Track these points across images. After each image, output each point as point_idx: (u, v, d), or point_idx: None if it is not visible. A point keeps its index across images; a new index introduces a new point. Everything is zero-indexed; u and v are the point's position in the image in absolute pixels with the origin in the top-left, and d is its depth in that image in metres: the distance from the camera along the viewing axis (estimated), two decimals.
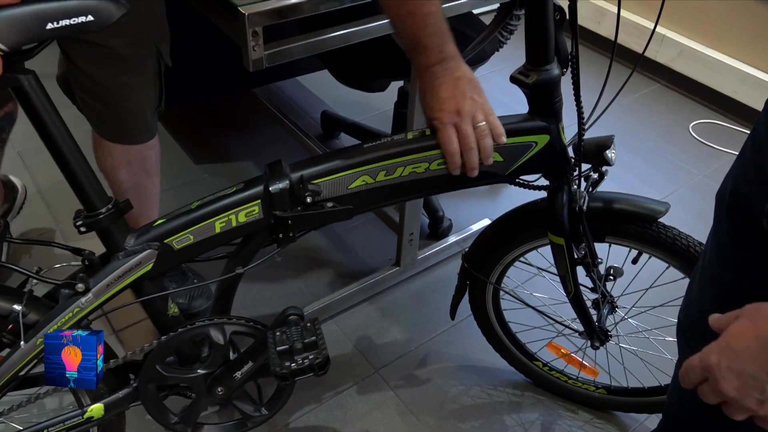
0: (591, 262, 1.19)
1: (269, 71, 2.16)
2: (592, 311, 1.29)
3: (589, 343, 1.33)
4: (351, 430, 1.44)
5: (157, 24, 1.24)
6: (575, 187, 1.12)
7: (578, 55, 1.01)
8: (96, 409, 1.07)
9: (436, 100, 0.94)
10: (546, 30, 0.95)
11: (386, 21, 1.20)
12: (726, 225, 0.77)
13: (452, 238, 1.89)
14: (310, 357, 1.00)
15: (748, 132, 2.38)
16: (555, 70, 0.99)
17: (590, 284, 1.26)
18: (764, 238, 0.71)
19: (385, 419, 1.47)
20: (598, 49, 2.91)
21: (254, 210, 0.97)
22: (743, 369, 0.61)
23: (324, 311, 1.68)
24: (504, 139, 0.97)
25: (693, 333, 0.87)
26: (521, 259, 1.31)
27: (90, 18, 0.80)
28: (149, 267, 0.97)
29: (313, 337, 1.01)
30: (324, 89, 2.51)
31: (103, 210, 0.94)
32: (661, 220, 1.14)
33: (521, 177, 1.09)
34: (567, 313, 1.33)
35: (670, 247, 1.14)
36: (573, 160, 1.08)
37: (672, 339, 1.47)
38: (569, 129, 1.03)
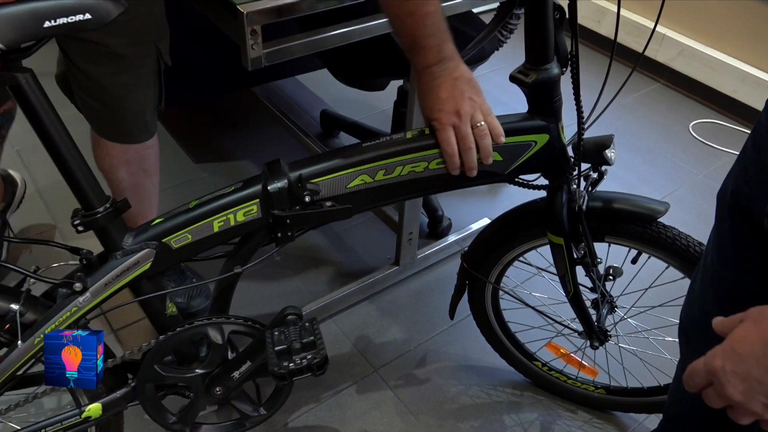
0: (590, 261, 1.19)
1: (269, 70, 2.15)
2: (592, 311, 1.29)
3: (588, 343, 1.33)
4: (350, 429, 1.44)
5: (157, 23, 1.24)
6: (575, 186, 1.12)
7: (578, 54, 1.01)
8: (94, 408, 1.06)
9: (435, 101, 0.94)
10: (546, 29, 0.95)
11: (386, 19, 1.19)
12: (727, 225, 0.77)
13: (452, 238, 1.89)
14: (309, 357, 1.00)
15: (748, 131, 2.38)
16: (554, 69, 0.99)
17: (589, 284, 1.25)
18: (765, 238, 0.71)
19: (384, 419, 1.47)
20: (598, 48, 2.90)
21: (253, 209, 0.97)
22: (748, 372, 0.60)
23: (323, 310, 1.67)
24: (502, 139, 0.97)
25: (694, 333, 0.86)
26: (520, 258, 1.31)
27: (87, 16, 0.79)
28: (147, 266, 0.97)
29: (312, 337, 1.01)
30: (323, 88, 2.50)
31: (101, 209, 0.94)
32: (660, 219, 1.14)
33: (520, 176, 1.08)
34: (566, 312, 1.32)
35: (669, 247, 1.14)
36: (572, 160, 1.08)
37: (671, 339, 1.47)
38: (569, 128, 1.02)
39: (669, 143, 2.39)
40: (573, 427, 1.46)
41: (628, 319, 1.45)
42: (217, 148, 2.24)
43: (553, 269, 1.23)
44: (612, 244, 1.20)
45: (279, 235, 1.00)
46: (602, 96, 1.09)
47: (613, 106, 1.14)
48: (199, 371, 1.11)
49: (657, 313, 1.43)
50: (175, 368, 1.11)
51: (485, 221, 1.95)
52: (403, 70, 1.59)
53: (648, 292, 1.34)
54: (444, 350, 1.62)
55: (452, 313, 1.41)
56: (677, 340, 1.45)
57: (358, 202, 0.99)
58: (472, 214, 1.99)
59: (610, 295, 1.29)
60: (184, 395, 1.16)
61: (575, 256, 1.19)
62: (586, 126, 1.09)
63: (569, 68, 1.02)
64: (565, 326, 1.35)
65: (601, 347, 1.33)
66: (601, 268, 1.24)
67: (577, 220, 1.13)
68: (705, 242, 1.16)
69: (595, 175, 1.15)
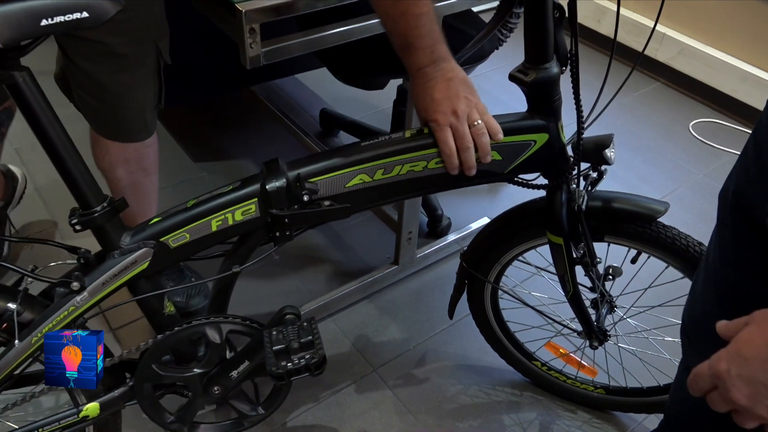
0: (590, 261, 1.18)
1: (268, 69, 2.15)
2: (591, 311, 1.29)
3: (587, 342, 1.32)
4: (349, 429, 1.44)
5: (156, 22, 1.23)
6: (574, 186, 1.12)
7: (578, 53, 1.01)
8: (91, 408, 1.06)
9: (430, 102, 0.94)
10: (545, 28, 0.95)
11: None
12: (729, 225, 0.77)
13: (451, 237, 1.89)
14: (307, 357, 0.99)
15: (749, 131, 2.37)
16: (554, 68, 0.98)
17: (589, 284, 1.25)
18: (767, 238, 0.70)
19: (383, 418, 1.46)
20: (598, 47, 2.90)
21: (251, 208, 0.96)
22: (754, 376, 0.60)
23: (322, 310, 1.67)
24: (501, 136, 0.96)
25: (696, 334, 0.86)
26: (520, 258, 1.31)
27: (85, 15, 0.79)
28: (145, 265, 0.97)
29: (310, 337, 1.00)
30: (323, 87, 2.50)
31: (98, 208, 0.93)
32: (660, 219, 1.14)
33: (520, 176, 1.08)
34: (566, 312, 1.32)
35: (669, 246, 1.14)
36: (572, 159, 1.08)
37: (671, 339, 1.47)
38: (568, 128, 1.02)
39: (669, 142, 2.38)
40: (572, 427, 1.46)
41: (628, 319, 1.45)
42: (216, 147, 2.24)
43: (552, 269, 1.23)
44: (611, 244, 1.20)
45: (277, 234, 0.99)
46: (602, 95, 1.08)
47: (612, 106, 1.14)
48: (197, 371, 1.11)
49: (656, 313, 1.43)
50: (173, 368, 1.11)
51: (485, 220, 1.94)
52: (402, 68, 1.58)
53: (647, 292, 1.34)
54: (443, 350, 1.62)
55: (451, 313, 1.40)
56: (677, 340, 1.45)
57: (357, 202, 0.99)
58: (472, 214, 1.99)
59: (610, 295, 1.29)
60: (182, 395, 1.16)
61: (575, 255, 1.19)
62: (585, 125, 1.08)
63: (569, 67, 1.02)
64: (565, 326, 1.35)
65: (600, 347, 1.32)
66: (601, 268, 1.23)
67: (577, 219, 1.13)
68: (705, 242, 1.16)
69: (594, 175, 1.14)
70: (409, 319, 1.69)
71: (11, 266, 0.95)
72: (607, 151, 1.09)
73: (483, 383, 1.55)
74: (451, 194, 2.01)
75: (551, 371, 1.48)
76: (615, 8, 1.00)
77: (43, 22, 0.77)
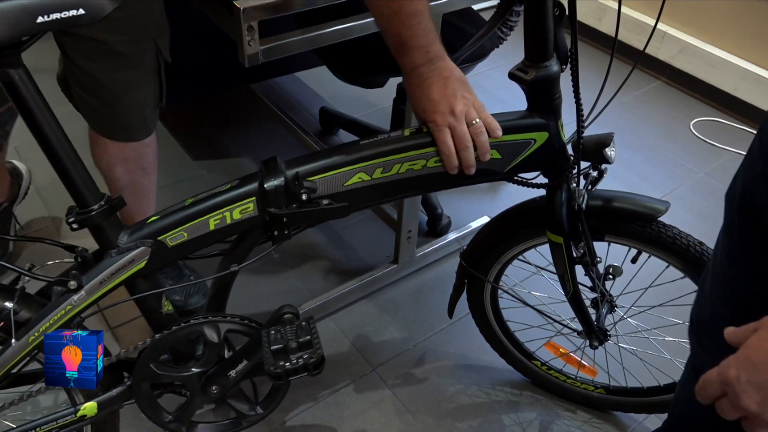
0: (590, 261, 1.18)
1: (267, 67, 2.14)
2: (591, 310, 1.28)
3: (587, 342, 1.32)
4: (348, 428, 1.44)
5: (156, 20, 1.23)
6: (574, 185, 1.11)
7: (577, 51, 1.00)
8: (89, 407, 1.06)
9: (427, 102, 0.93)
10: (545, 26, 0.94)
11: None
12: (737, 226, 0.76)
13: (451, 236, 1.88)
14: (305, 356, 0.99)
15: (750, 129, 2.36)
16: (554, 66, 0.98)
17: (589, 283, 1.25)
18: None
19: (382, 418, 1.46)
20: (599, 45, 2.89)
21: (249, 207, 0.96)
22: (764, 382, 0.59)
23: (321, 309, 1.67)
24: (499, 132, 0.96)
25: (705, 334, 0.85)
26: (520, 257, 1.30)
27: (81, 12, 0.78)
28: (142, 264, 0.96)
29: (308, 336, 1.00)
30: (323, 85, 2.49)
31: (96, 207, 0.93)
32: (661, 218, 1.13)
33: (520, 175, 1.08)
34: (566, 312, 1.32)
35: (669, 246, 1.13)
36: (572, 158, 1.07)
37: (671, 339, 1.46)
38: (568, 126, 1.02)
39: (670, 141, 2.38)
40: (572, 427, 1.46)
41: (628, 319, 1.45)
42: (215, 145, 2.23)
43: (552, 268, 1.22)
44: (612, 243, 1.19)
45: (276, 233, 0.99)
46: (602, 94, 1.08)
47: (613, 104, 1.13)
48: (195, 370, 1.10)
49: (657, 313, 1.42)
50: (171, 367, 1.10)
51: (485, 219, 1.94)
52: None
53: (648, 292, 1.33)
54: (443, 349, 1.62)
55: (451, 312, 1.40)
56: (677, 339, 1.45)
57: (356, 200, 0.99)
58: (472, 212, 1.98)
59: (610, 295, 1.28)
60: (181, 394, 1.15)
61: (575, 255, 1.18)
62: (586, 124, 1.08)
63: (569, 65, 1.01)
64: (565, 325, 1.34)
65: (600, 347, 1.32)
66: (601, 268, 1.23)
67: (577, 218, 1.12)
68: (706, 241, 1.16)
69: (594, 174, 1.14)
70: (409, 319, 1.69)
71: (8, 265, 0.95)
72: (607, 149, 1.08)
73: (482, 383, 1.54)
74: (450, 193, 2.01)
75: (551, 371, 1.48)
76: (616, 6, 0.99)
77: (39, 19, 0.76)
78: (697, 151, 2.34)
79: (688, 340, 1.44)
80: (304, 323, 1.03)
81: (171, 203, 0.99)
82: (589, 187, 1.15)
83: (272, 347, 0.99)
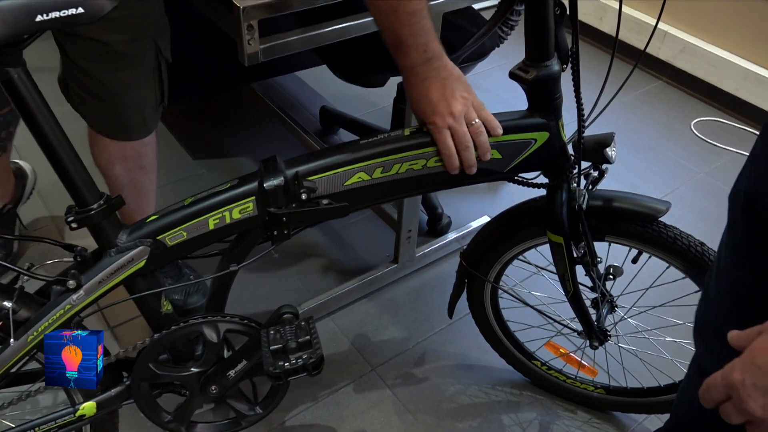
0: (590, 261, 1.17)
1: (268, 66, 2.14)
2: (592, 311, 1.28)
3: (587, 342, 1.32)
4: (347, 428, 1.43)
5: (155, 20, 1.22)
6: (575, 185, 1.11)
7: (578, 50, 1.00)
8: (88, 407, 1.06)
9: (426, 104, 0.93)
10: (546, 25, 0.94)
11: None
12: (741, 227, 0.76)
13: (451, 236, 1.88)
14: (304, 356, 0.99)
15: (751, 129, 2.34)
16: (555, 66, 0.97)
17: (589, 283, 1.24)
18: None
19: (382, 418, 1.46)
20: (600, 45, 2.89)
21: (248, 207, 0.96)
22: None
23: (321, 308, 1.66)
24: (500, 131, 0.96)
25: (710, 334, 0.85)
26: (520, 257, 1.30)
27: (80, 10, 0.78)
28: (141, 264, 0.96)
29: (308, 337, 1.00)
30: (323, 84, 2.49)
31: (95, 206, 0.92)
32: (661, 218, 1.13)
33: (520, 174, 1.07)
34: (566, 312, 1.31)
35: (670, 246, 1.13)
36: (573, 158, 1.07)
37: (672, 339, 1.46)
38: (569, 126, 1.01)
39: (670, 141, 2.37)
40: (572, 427, 1.46)
41: (628, 319, 1.44)
42: (215, 144, 2.23)
43: (552, 268, 1.22)
44: (612, 244, 1.19)
45: (275, 232, 0.99)
46: (603, 93, 1.08)
47: (614, 104, 1.13)
48: (194, 370, 1.10)
49: (657, 313, 1.42)
50: (170, 367, 1.10)
51: (485, 219, 1.94)
52: None
53: (648, 292, 1.33)
54: (442, 349, 1.61)
55: (451, 312, 1.40)
56: (678, 340, 1.45)
57: (356, 200, 0.98)
58: (472, 212, 1.98)
59: (610, 295, 1.28)
60: (180, 394, 1.15)
61: (575, 255, 1.18)
62: (586, 124, 1.08)
63: (570, 65, 1.01)
64: (565, 326, 1.34)
65: (600, 347, 1.32)
66: (601, 268, 1.23)
67: (577, 218, 1.12)
68: (707, 241, 1.15)
69: (595, 174, 1.14)
70: (409, 318, 1.69)
71: (7, 264, 0.94)
72: (608, 149, 1.08)
73: (482, 383, 1.54)
74: (451, 193, 2.01)
75: (551, 371, 1.48)
76: (617, 6, 0.99)
77: (38, 18, 0.76)
78: (697, 151, 2.34)
79: (688, 341, 1.43)
80: (303, 323, 1.03)
81: (171, 202, 0.99)
82: (590, 187, 1.14)
83: (271, 347, 0.99)
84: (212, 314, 1.06)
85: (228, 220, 0.96)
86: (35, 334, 0.94)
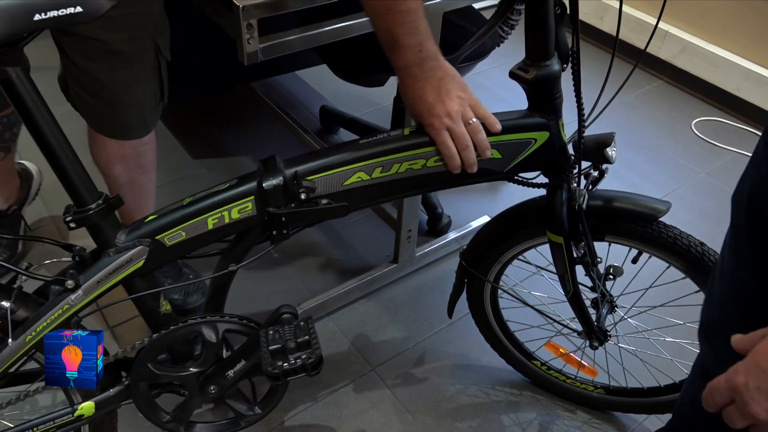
0: (590, 261, 1.17)
1: (268, 65, 2.14)
2: (591, 311, 1.28)
3: (587, 342, 1.31)
4: (347, 428, 1.43)
5: (155, 18, 1.22)
6: (575, 184, 1.10)
7: (579, 50, 0.99)
8: (87, 407, 1.05)
9: (422, 105, 0.92)
10: (546, 24, 0.93)
11: None
12: (744, 227, 0.76)
13: (451, 235, 1.88)
14: (303, 356, 0.98)
15: (751, 129, 2.34)
16: (555, 65, 0.97)
17: (589, 283, 1.24)
18: None
19: (382, 418, 1.46)
20: (600, 44, 2.89)
21: (247, 206, 0.95)
22: None
23: (321, 308, 1.66)
24: (499, 127, 0.95)
25: (715, 335, 0.85)
26: (520, 257, 1.30)
27: (79, 9, 0.78)
28: (140, 264, 0.96)
29: (306, 337, 0.99)
30: (323, 84, 2.49)
31: (93, 205, 0.92)
32: (661, 218, 1.12)
33: (520, 174, 1.07)
34: (566, 312, 1.31)
35: (670, 246, 1.13)
36: (573, 158, 1.07)
37: (672, 339, 1.46)
38: (569, 126, 1.01)
39: (671, 141, 2.37)
40: (572, 427, 1.45)
41: (628, 319, 1.44)
42: (215, 144, 2.23)
43: (552, 268, 1.22)
44: (612, 244, 1.18)
45: (274, 232, 0.98)
46: (603, 93, 1.07)
47: (614, 104, 1.12)
48: (193, 370, 1.10)
49: (657, 313, 1.42)
50: (169, 366, 1.10)
51: (485, 219, 1.93)
52: None
53: (648, 292, 1.33)
54: (442, 349, 1.61)
55: (450, 312, 1.39)
56: (678, 340, 1.45)
57: (355, 200, 0.98)
58: (472, 212, 1.98)
59: (610, 295, 1.28)
60: (179, 394, 1.15)
61: (575, 255, 1.18)
62: (586, 123, 1.07)
63: (570, 65, 1.01)
64: (565, 326, 1.34)
65: (600, 347, 1.31)
66: (601, 268, 1.22)
67: (577, 218, 1.12)
68: (707, 241, 1.15)
69: (595, 174, 1.13)
70: (408, 318, 1.68)
71: (5, 264, 0.94)
72: (608, 149, 1.07)
73: (482, 383, 1.54)
74: (451, 192, 2.01)
75: (551, 371, 1.48)
76: (617, 5, 0.98)
77: (37, 17, 0.76)
78: (698, 151, 2.34)
79: (688, 341, 1.43)
80: (302, 323, 1.02)
81: (171, 202, 0.99)
82: (590, 186, 1.14)
83: (270, 347, 0.99)
84: (211, 314, 1.06)
85: (227, 220, 0.96)
86: (33, 334, 0.94)
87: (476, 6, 1.73)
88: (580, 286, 1.23)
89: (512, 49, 1.86)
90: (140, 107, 1.29)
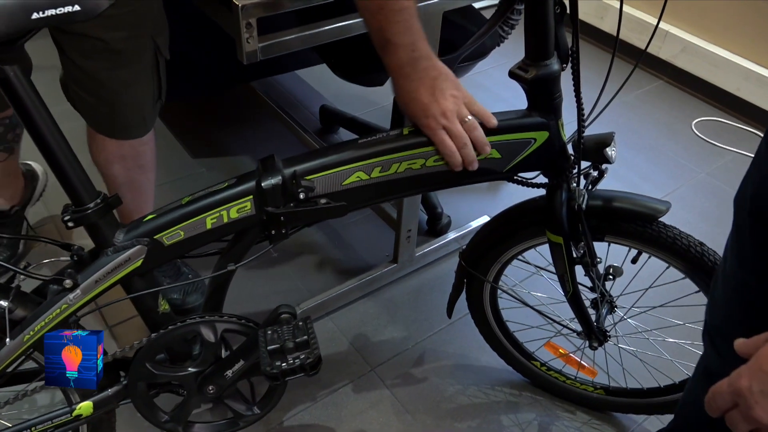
0: (590, 261, 1.17)
1: (267, 64, 2.13)
2: (591, 311, 1.28)
3: (587, 343, 1.31)
4: (346, 428, 1.43)
5: (154, 17, 1.22)
6: (574, 184, 1.10)
7: (578, 49, 0.99)
8: (85, 407, 1.05)
9: (417, 106, 0.92)
10: (546, 24, 0.93)
11: None
12: (747, 229, 0.75)
13: (451, 235, 1.87)
14: (302, 356, 0.98)
15: (752, 129, 2.34)
16: (555, 65, 0.97)
17: (589, 284, 1.24)
18: None
19: (381, 418, 1.45)
20: (601, 44, 2.88)
21: (246, 206, 0.95)
22: None
23: (320, 308, 1.66)
24: (494, 121, 0.95)
25: (718, 336, 0.85)
26: (519, 257, 1.29)
27: (77, 8, 0.78)
28: (139, 263, 0.96)
29: (305, 336, 0.99)
30: (323, 83, 2.49)
31: (92, 205, 0.92)
32: (661, 219, 1.12)
33: (520, 174, 1.07)
34: (565, 312, 1.31)
35: (670, 246, 1.13)
36: (572, 158, 1.06)
37: (672, 340, 1.46)
38: (569, 125, 1.01)
39: (671, 141, 2.37)
40: (571, 428, 1.45)
41: (628, 320, 1.44)
42: (215, 143, 2.22)
43: (552, 268, 1.22)
44: (612, 244, 1.18)
45: (273, 232, 0.98)
46: (603, 93, 1.07)
47: (614, 104, 1.12)
48: (191, 370, 1.10)
49: (657, 314, 1.41)
50: (167, 366, 1.09)
51: (485, 219, 1.93)
52: None
53: (648, 292, 1.32)
54: (442, 349, 1.61)
55: (450, 312, 1.39)
56: (678, 340, 1.45)
57: (354, 200, 0.98)
58: (472, 212, 1.98)
59: (610, 295, 1.27)
60: (177, 394, 1.14)
61: (574, 255, 1.17)
62: (586, 123, 1.07)
63: (570, 64, 1.00)
64: (564, 326, 1.34)
65: (600, 347, 1.31)
66: (601, 268, 1.22)
67: (577, 218, 1.11)
68: (707, 242, 1.15)
69: (595, 174, 1.13)
70: (408, 318, 1.68)
71: (3, 263, 0.94)
72: (608, 149, 1.07)
73: (482, 383, 1.54)
74: (450, 192, 2.00)
75: (550, 371, 1.47)
76: (618, 5, 0.98)
77: (34, 16, 0.76)
78: (698, 151, 2.33)
79: (688, 341, 1.43)
80: (301, 323, 1.02)
81: (170, 201, 0.99)
82: (590, 186, 1.14)
83: (269, 347, 0.99)
84: (209, 314, 1.06)
85: (225, 220, 0.96)
86: (32, 333, 0.94)
87: (476, 5, 1.73)
88: (580, 287, 1.23)
89: (512, 49, 1.86)
90: (139, 106, 1.29)
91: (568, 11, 0.96)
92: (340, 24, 1.17)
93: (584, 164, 1.10)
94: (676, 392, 1.33)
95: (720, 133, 2.42)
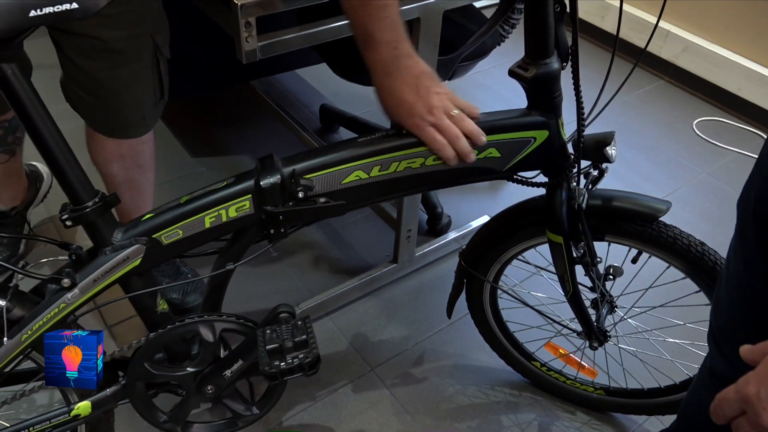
0: (590, 261, 1.17)
1: (267, 63, 2.13)
2: (591, 311, 1.27)
3: (587, 343, 1.31)
4: (345, 428, 1.43)
5: (153, 16, 1.22)
6: (574, 184, 1.10)
7: (578, 48, 0.99)
8: (83, 406, 1.05)
9: (401, 106, 0.92)
10: (545, 23, 0.93)
11: None
12: (751, 233, 0.75)
13: (451, 235, 1.87)
14: (300, 356, 0.98)
15: (753, 129, 2.33)
16: (554, 64, 0.96)
17: (589, 283, 1.23)
18: None
19: (380, 418, 1.45)
20: (601, 44, 2.88)
21: (245, 205, 0.95)
22: None
23: (320, 308, 1.66)
24: (476, 111, 0.95)
25: (724, 339, 0.84)
26: (519, 257, 1.29)
27: (74, 6, 0.77)
28: (137, 262, 0.95)
29: (304, 336, 0.99)
30: (323, 82, 2.48)
31: (90, 203, 0.92)
32: (662, 218, 1.12)
33: (519, 173, 1.06)
34: (565, 312, 1.30)
35: (670, 246, 1.12)
36: (572, 157, 1.06)
37: (672, 340, 1.45)
38: (569, 125, 1.00)
39: (672, 141, 2.36)
40: (571, 429, 1.45)
41: (628, 320, 1.43)
42: (215, 142, 2.22)
43: (552, 268, 1.21)
44: (612, 243, 1.18)
45: (272, 231, 0.98)
46: (604, 92, 1.07)
47: (615, 103, 1.12)
48: (190, 369, 1.09)
49: (657, 314, 1.41)
50: (165, 366, 1.09)
51: (485, 219, 1.93)
52: None
53: (648, 292, 1.32)
54: (441, 349, 1.61)
55: (450, 312, 1.39)
56: (678, 341, 1.44)
57: (353, 199, 0.97)
58: (472, 212, 1.97)
59: (610, 295, 1.27)
60: (176, 393, 1.14)
61: (575, 255, 1.17)
62: (586, 122, 1.07)
63: (569, 63, 1.00)
64: (564, 326, 1.33)
65: (600, 348, 1.31)
66: (601, 268, 1.22)
67: (577, 218, 1.11)
68: (707, 242, 1.14)
69: (595, 173, 1.13)
70: (408, 318, 1.68)
71: (1, 262, 0.94)
72: (608, 148, 1.07)
73: (481, 383, 1.53)
74: (450, 192, 2.00)
75: (550, 372, 1.47)
76: (618, 4, 0.98)
77: (32, 13, 0.75)
78: (699, 150, 2.33)
79: (688, 341, 1.43)
80: (300, 323, 1.02)
81: (169, 200, 0.98)
82: (590, 186, 1.13)
83: (267, 347, 0.98)
84: (208, 313, 1.05)
85: (224, 219, 0.95)
86: (30, 332, 0.93)
87: (477, 5, 1.72)
88: (580, 287, 1.22)
89: (513, 48, 1.86)
90: (139, 106, 1.28)
91: (568, 10, 0.96)
92: (340, 23, 1.17)
93: (584, 163, 1.10)
94: (677, 393, 1.33)
95: (721, 133, 2.41)
